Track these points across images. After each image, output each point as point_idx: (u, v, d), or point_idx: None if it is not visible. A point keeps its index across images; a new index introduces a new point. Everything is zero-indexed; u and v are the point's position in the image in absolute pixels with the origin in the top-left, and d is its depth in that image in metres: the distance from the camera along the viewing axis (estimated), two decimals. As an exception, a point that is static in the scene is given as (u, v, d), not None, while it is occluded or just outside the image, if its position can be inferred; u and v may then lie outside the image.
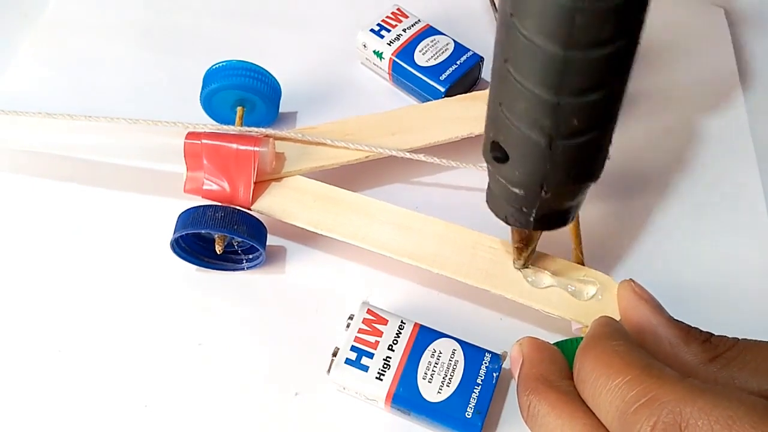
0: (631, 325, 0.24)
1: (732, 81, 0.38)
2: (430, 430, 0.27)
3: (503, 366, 0.27)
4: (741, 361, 0.21)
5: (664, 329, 0.23)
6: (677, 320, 0.24)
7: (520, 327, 0.30)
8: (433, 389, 0.26)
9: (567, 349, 0.25)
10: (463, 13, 0.40)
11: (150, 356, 0.29)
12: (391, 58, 0.35)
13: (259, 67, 0.33)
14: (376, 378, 0.26)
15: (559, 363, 0.23)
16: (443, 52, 0.35)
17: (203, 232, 0.29)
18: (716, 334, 0.23)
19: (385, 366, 0.26)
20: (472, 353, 0.27)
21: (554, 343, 0.26)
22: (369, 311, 0.28)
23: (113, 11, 0.41)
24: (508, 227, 0.25)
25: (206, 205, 0.28)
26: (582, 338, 0.26)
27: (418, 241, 0.29)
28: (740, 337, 0.23)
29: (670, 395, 0.18)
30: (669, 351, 0.22)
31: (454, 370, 0.26)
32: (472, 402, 0.26)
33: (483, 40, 0.38)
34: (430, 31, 0.36)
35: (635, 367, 0.19)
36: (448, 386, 0.26)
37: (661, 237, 0.32)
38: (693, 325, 0.23)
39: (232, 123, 0.33)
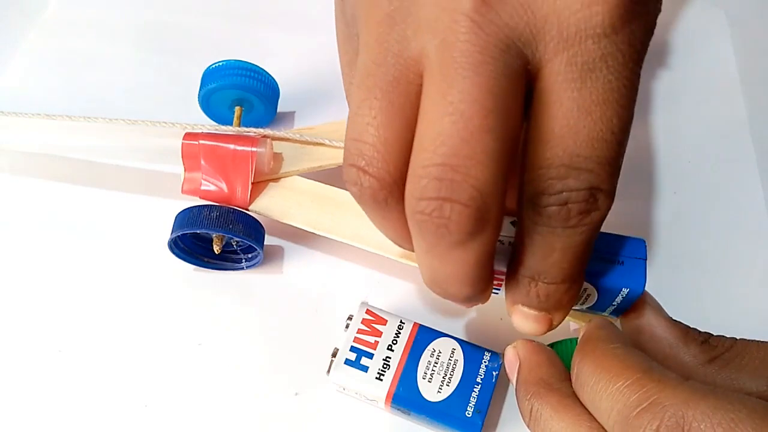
0: (629, 326, 0.24)
1: (732, 81, 0.38)
2: (431, 429, 0.27)
3: (502, 365, 0.27)
4: (739, 362, 0.21)
5: (663, 330, 0.23)
6: (676, 321, 0.24)
7: (519, 327, 0.30)
8: (433, 389, 0.26)
9: (562, 350, 0.25)
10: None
11: (150, 356, 0.29)
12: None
13: (257, 66, 0.33)
14: (376, 378, 0.26)
15: (558, 366, 0.23)
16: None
17: (200, 231, 0.29)
18: (715, 333, 0.23)
19: (385, 366, 0.26)
20: (472, 352, 0.27)
21: (549, 345, 0.25)
22: (368, 311, 0.28)
23: (113, 11, 0.41)
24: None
25: (202, 205, 0.28)
26: (577, 339, 0.26)
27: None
28: (739, 337, 0.23)
29: (672, 399, 0.18)
30: (668, 352, 0.22)
31: (453, 369, 0.26)
32: (472, 401, 0.26)
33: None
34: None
35: (636, 371, 0.19)
36: (447, 386, 0.26)
37: (660, 237, 0.32)
38: (692, 326, 0.23)
39: (230, 123, 0.33)
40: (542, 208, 0.18)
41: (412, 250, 0.20)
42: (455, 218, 0.16)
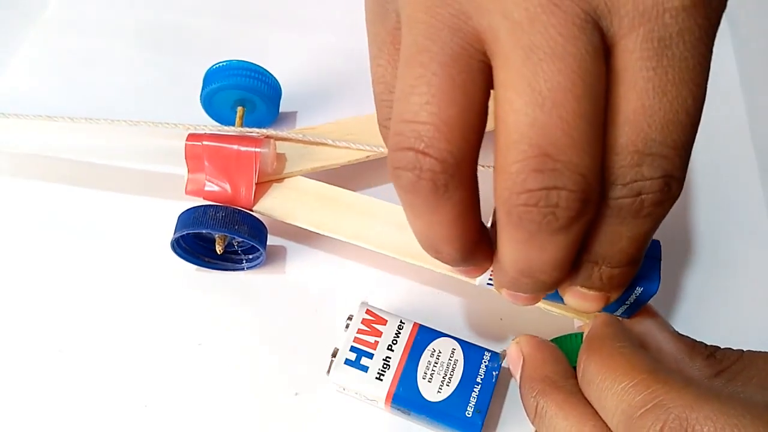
0: (635, 336, 0.24)
1: (732, 81, 0.38)
2: (431, 429, 0.27)
3: (503, 365, 0.27)
4: (746, 375, 0.21)
5: (668, 345, 0.23)
6: (681, 335, 0.24)
7: (520, 327, 0.30)
8: (433, 389, 0.26)
9: (565, 345, 0.25)
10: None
11: (150, 356, 0.29)
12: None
13: (260, 66, 0.33)
14: (376, 378, 0.26)
15: (563, 362, 0.23)
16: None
17: (204, 232, 0.29)
18: (716, 338, 0.23)
19: (385, 366, 0.26)
20: (472, 352, 0.27)
21: (552, 340, 0.25)
22: (368, 311, 0.28)
23: (113, 11, 0.41)
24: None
25: (207, 205, 0.28)
26: (580, 334, 0.26)
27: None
28: (742, 345, 0.23)
29: (677, 401, 0.18)
30: (674, 367, 0.22)
31: (453, 369, 0.26)
32: (472, 401, 0.26)
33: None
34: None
35: (642, 371, 0.19)
36: (447, 385, 0.26)
37: (659, 237, 0.32)
38: (697, 339, 0.23)
39: (233, 123, 0.33)
40: (613, 200, 0.17)
41: (450, 255, 0.19)
42: (563, 204, 0.16)
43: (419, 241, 0.20)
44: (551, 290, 0.20)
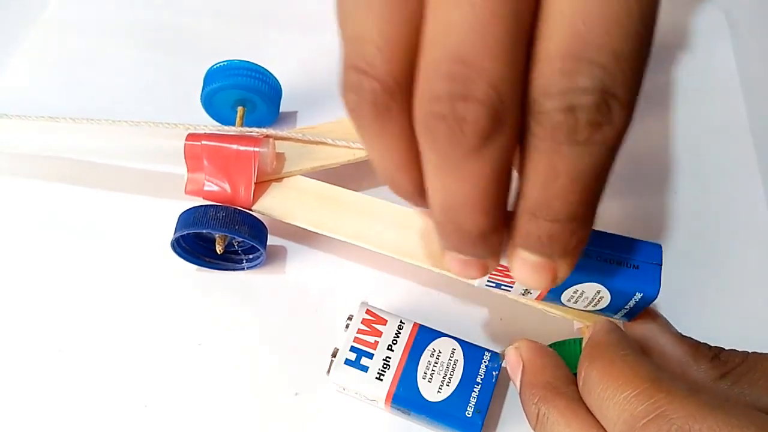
0: (637, 341, 0.24)
1: (732, 81, 0.38)
2: (431, 429, 0.27)
3: (502, 365, 0.27)
4: (751, 377, 0.21)
5: (672, 348, 0.23)
6: (684, 336, 0.24)
7: (520, 327, 0.30)
8: (433, 389, 0.26)
9: (565, 350, 0.25)
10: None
11: (150, 356, 0.29)
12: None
13: (260, 66, 0.33)
14: (376, 378, 0.26)
15: (563, 369, 0.23)
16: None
17: (204, 231, 0.29)
18: (718, 339, 0.23)
19: (385, 366, 0.26)
20: (472, 352, 0.27)
21: (551, 345, 0.25)
22: (368, 311, 0.28)
23: (113, 11, 0.41)
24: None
25: (207, 205, 0.28)
26: (579, 339, 0.25)
27: (420, 240, 0.29)
28: (744, 346, 0.22)
29: (680, 411, 0.18)
30: (678, 370, 0.22)
31: (453, 369, 0.26)
32: (472, 401, 0.26)
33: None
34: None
35: (644, 380, 0.19)
36: (447, 385, 0.26)
37: (660, 237, 0.32)
38: (701, 341, 0.23)
39: (233, 123, 0.33)
40: (543, 114, 0.15)
41: (405, 187, 0.18)
42: (471, 117, 0.14)
43: (379, 175, 0.19)
44: (482, 247, 0.18)
